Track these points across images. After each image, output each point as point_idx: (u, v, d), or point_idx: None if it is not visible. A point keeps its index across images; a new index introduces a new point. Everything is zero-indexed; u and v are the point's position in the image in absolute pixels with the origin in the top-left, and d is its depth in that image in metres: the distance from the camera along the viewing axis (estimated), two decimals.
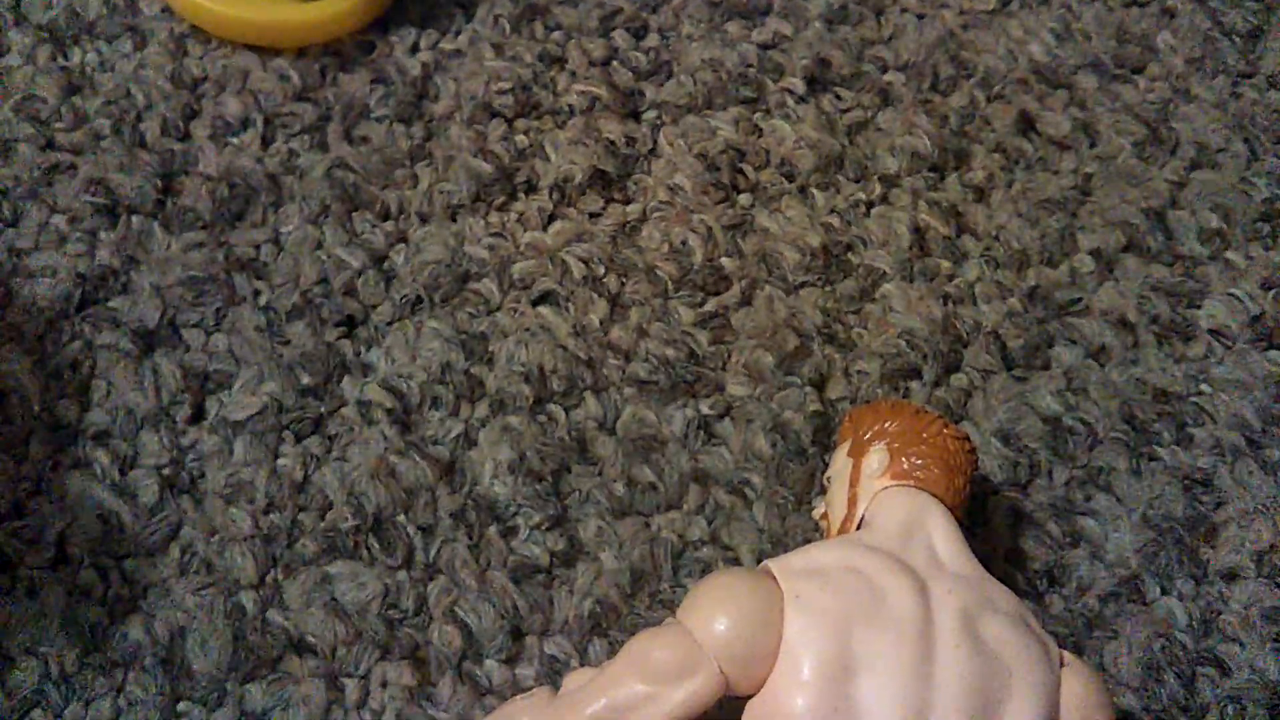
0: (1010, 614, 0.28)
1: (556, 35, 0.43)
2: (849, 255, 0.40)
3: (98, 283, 0.37)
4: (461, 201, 0.40)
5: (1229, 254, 0.41)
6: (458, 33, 0.43)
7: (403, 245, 0.39)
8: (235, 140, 0.40)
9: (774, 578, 0.28)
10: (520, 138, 0.41)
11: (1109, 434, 0.37)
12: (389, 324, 0.37)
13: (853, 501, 0.31)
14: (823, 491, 0.35)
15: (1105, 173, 0.43)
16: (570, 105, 0.42)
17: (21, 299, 0.36)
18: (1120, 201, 0.42)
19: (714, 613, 0.28)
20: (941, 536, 0.30)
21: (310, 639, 0.33)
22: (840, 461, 0.33)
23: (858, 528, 0.31)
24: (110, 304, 0.37)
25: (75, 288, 0.37)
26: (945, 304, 0.39)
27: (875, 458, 0.31)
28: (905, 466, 0.31)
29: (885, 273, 0.40)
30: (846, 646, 0.27)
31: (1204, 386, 0.38)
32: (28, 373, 0.35)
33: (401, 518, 0.34)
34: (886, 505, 0.30)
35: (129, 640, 0.32)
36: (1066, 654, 0.29)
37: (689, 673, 0.27)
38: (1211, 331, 0.39)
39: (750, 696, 0.28)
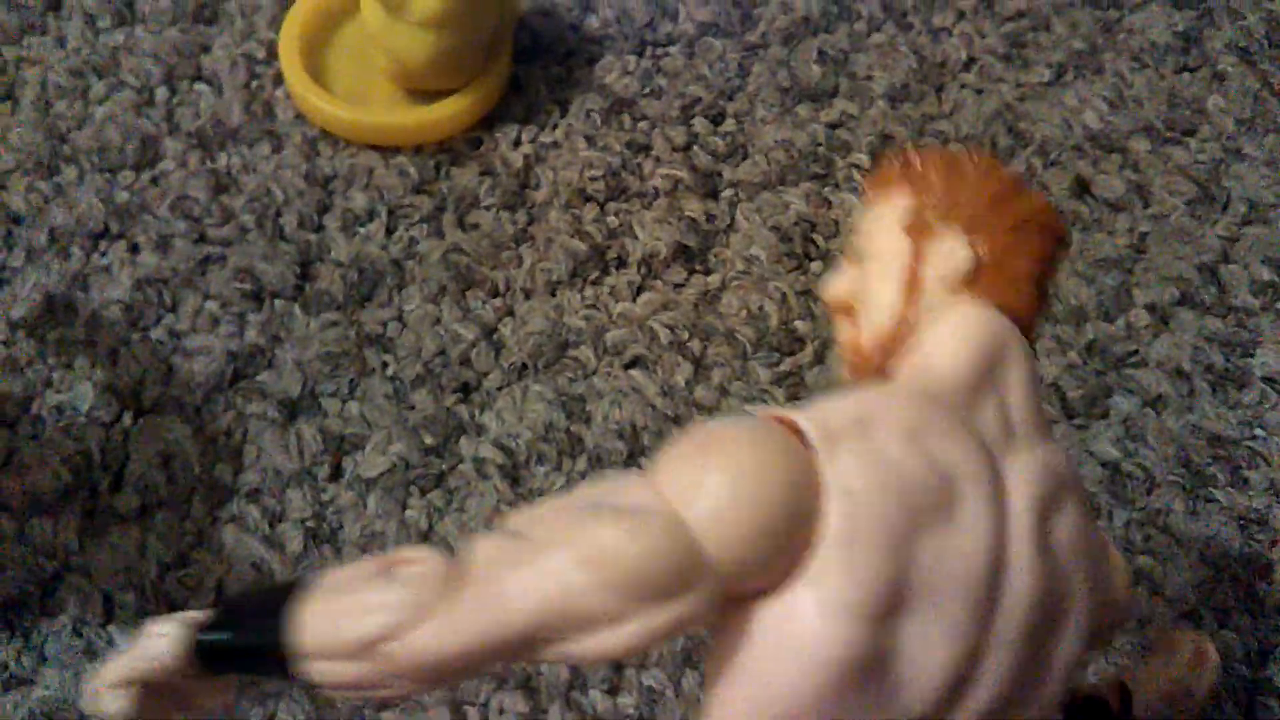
0: (1075, 491, 0.23)
1: (642, 125, 0.48)
2: None
3: (247, 359, 0.42)
4: (560, 278, 0.44)
5: None
6: (555, 127, 0.48)
7: (510, 318, 0.43)
8: (363, 230, 0.45)
9: (802, 435, 0.20)
10: (611, 219, 0.45)
11: (1166, 478, 0.40)
12: (499, 389, 0.42)
13: (911, 305, 0.23)
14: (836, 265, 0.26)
15: (1159, 231, 0.45)
16: (655, 188, 0.46)
17: (181, 375, 0.42)
18: (1174, 258, 0.44)
19: (726, 489, 0.19)
20: (1017, 386, 0.23)
21: None
22: (884, 232, 0.23)
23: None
24: (258, 378, 0.42)
25: (227, 364, 0.42)
26: None
27: (959, 255, 0.23)
28: (998, 281, 0.23)
29: None
30: (905, 571, 0.21)
31: (1258, 431, 0.40)
32: (188, 440, 0.40)
33: None
34: (959, 335, 0.23)
35: None
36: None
37: (679, 592, 0.19)
38: (1265, 379, 0.42)
39: (751, 597, 0.20)
